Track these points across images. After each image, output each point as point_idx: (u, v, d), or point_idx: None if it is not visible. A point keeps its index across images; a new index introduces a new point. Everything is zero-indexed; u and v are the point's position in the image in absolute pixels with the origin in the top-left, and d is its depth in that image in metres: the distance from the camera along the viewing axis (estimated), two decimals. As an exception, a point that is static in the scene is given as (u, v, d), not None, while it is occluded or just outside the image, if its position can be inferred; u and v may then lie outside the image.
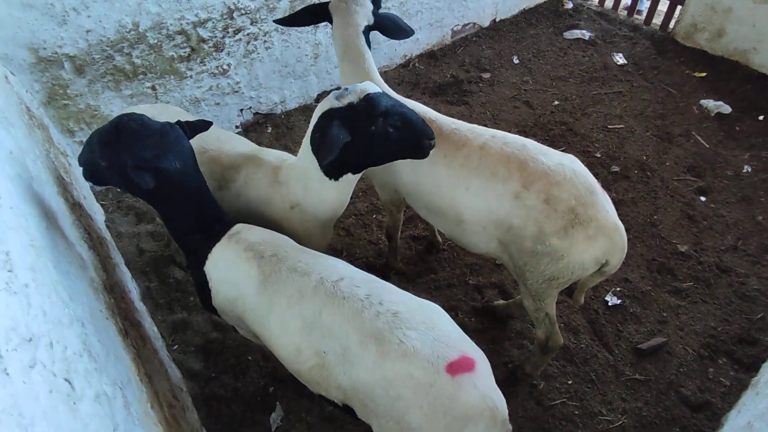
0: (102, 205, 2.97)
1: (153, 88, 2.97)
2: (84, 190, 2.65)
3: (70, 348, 0.98)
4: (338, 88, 1.57)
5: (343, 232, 2.93)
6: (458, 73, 4.11)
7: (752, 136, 3.54)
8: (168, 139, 1.40)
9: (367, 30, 1.91)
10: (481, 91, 3.96)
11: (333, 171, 1.57)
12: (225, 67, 3.18)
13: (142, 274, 2.70)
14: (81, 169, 1.46)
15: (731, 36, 4.02)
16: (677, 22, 4.32)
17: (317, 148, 1.51)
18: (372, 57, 1.97)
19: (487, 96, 3.92)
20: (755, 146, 3.46)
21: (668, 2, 4.38)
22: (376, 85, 1.56)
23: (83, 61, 2.65)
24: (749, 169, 3.29)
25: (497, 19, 4.63)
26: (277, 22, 2.07)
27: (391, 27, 1.93)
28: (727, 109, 3.70)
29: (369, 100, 1.45)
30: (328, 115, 1.46)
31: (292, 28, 3.31)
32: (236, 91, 3.34)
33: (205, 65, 3.09)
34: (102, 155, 1.34)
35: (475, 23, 4.47)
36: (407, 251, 2.85)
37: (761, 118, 3.66)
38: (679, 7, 4.31)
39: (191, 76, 3.09)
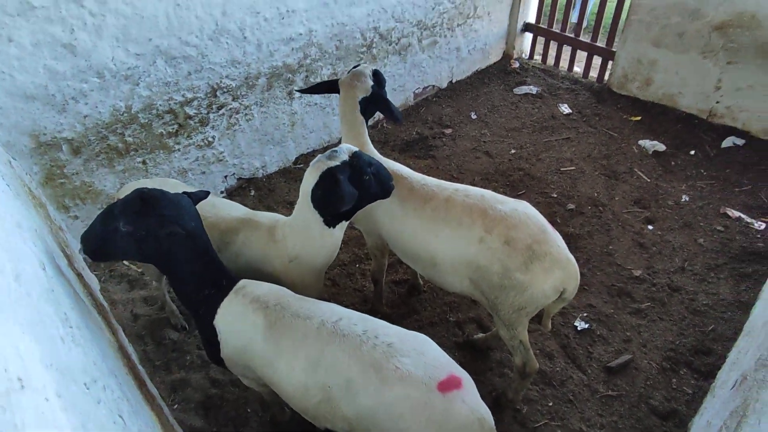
0: (95, 275, 3.10)
1: (144, 162, 3.20)
2: (80, 262, 2.79)
3: (115, 392, 1.14)
4: (316, 151, 1.84)
5: (330, 282, 3.12)
6: (423, 130, 4.51)
7: (686, 169, 3.99)
8: (183, 203, 1.62)
9: (364, 101, 2.25)
10: (444, 145, 4.35)
11: (332, 220, 1.83)
12: (210, 139, 3.46)
13: (138, 338, 2.80)
14: (79, 245, 1.58)
15: (658, 83, 4.58)
16: (611, 74, 4.90)
17: (324, 203, 1.77)
18: (364, 121, 2.32)
19: (451, 149, 4.30)
20: (690, 177, 3.91)
21: (600, 58, 4.98)
22: (352, 145, 1.88)
23: (80, 143, 2.87)
24: (687, 198, 3.70)
25: (454, 81, 5.13)
26: (300, 91, 2.54)
27: (382, 106, 2.28)
28: (662, 147, 4.18)
29: (357, 156, 1.80)
30: (330, 174, 1.74)
31: (270, 102, 3.66)
32: (220, 160, 3.61)
33: (191, 139, 3.36)
34: (128, 222, 1.51)
35: (434, 85, 4.95)
36: (391, 295, 3.06)
37: (692, 152, 4.14)
38: (610, 62, 4.90)
39: (179, 150, 3.34)
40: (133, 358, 2.32)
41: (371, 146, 2.38)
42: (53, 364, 0.80)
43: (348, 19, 3.79)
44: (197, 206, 1.83)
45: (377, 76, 2.33)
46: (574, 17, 5.38)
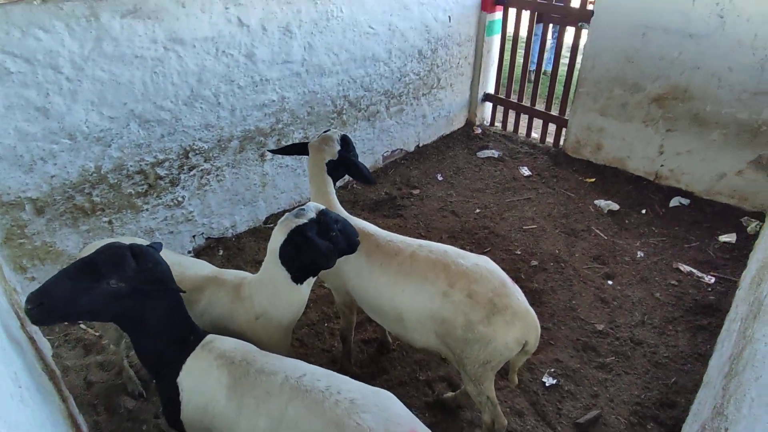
0: (49, 339, 2.95)
1: (110, 222, 3.18)
2: (32, 325, 2.67)
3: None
4: (287, 210, 1.90)
5: (298, 343, 3.06)
6: (391, 191, 4.67)
7: (640, 227, 4.23)
8: (155, 254, 1.63)
9: (332, 164, 2.36)
10: (413, 205, 4.49)
11: (300, 276, 1.85)
12: (179, 199, 3.48)
13: (90, 407, 2.64)
14: (25, 305, 1.43)
15: (608, 148, 4.94)
16: (565, 140, 5.26)
17: (293, 259, 1.82)
18: (332, 182, 2.43)
19: (419, 209, 4.45)
20: (643, 235, 4.13)
21: (555, 128, 5.37)
22: (319, 204, 1.95)
23: (44, 202, 2.85)
24: (642, 254, 3.89)
25: (420, 145, 5.39)
26: (271, 151, 2.70)
27: (351, 170, 2.40)
28: (615, 206, 4.43)
29: (324, 214, 1.88)
30: (300, 232, 1.80)
31: (242, 163, 3.75)
32: (189, 220, 3.61)
33: (161, 199, 3.37)
34: (121, 279, 1.49)
35: (402, 149, 5.19)
36: (359, 354, 3.02)
37: (644, 211, 4.41)
38: (564, 128, 5.28)
39: (147, 209, 3.34)
40: (83, 429, 2.18)
41: (338, 205, 2.46)
42: (2, 417, 0.78)
43: (319, 88, 4.02)
44: None
45: (345, 140, 2.46)
46: (532, 65, 5.88)
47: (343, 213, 2.41)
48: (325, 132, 2.49)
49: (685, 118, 4.33)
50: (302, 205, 1.95)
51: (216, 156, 3.59)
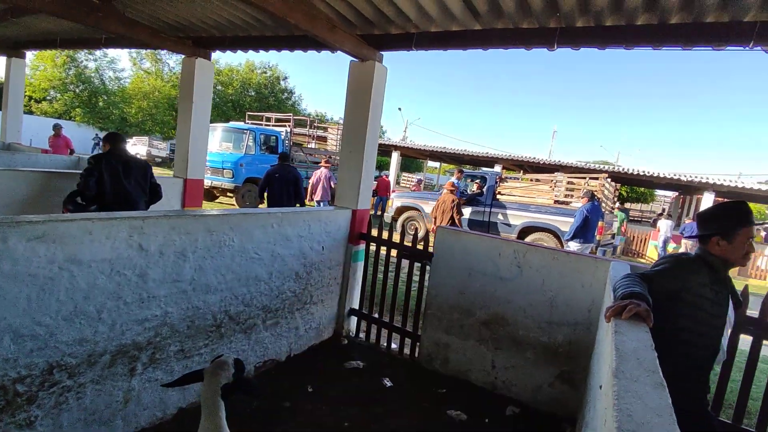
0: None
1: (-69, 454, 2.75)
2: None
3: None
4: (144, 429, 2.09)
5: None
6: (262, 405, 4.71)
7: (484, 436, 4.83)
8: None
9: (227, 387, 2.60)
10: (282, 420, 4.56)
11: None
12: (32, 418, 3.17)
13: None
14: None
15: (453, 362, 5.81)
16: (419, 353, 6.06)
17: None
18: (223, 405, 2.62)
19: (287, 425, 4.52)
20: (488, 443, 4.71)
21: (410, 341, 6.21)
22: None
23: None
24: (488, 463, 4.39)
25: (292, 355, 5.69)
26: (166, 385, 2.80)
27: (245, 389, 2.67)
28: (464, 416, 5.06)
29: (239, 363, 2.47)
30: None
31: (108, 378, 3.66)
32: (30, 446, 3.23)
33: (14, 417, 3.06)
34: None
35: (274, 359, 5.42)
36: None
37: (486, 420, 5.08)
38: (418, 342, 6.13)
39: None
40: None
41: (227, 428, 2.62)
42: None
43: (203, 304, 4.34)
44: None
45: (238, 364, 2.78)
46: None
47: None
48: (218, 357, 2.80)
49: (507, 338, 5.48)
50: (166, 422, 2.17)
51: (82, 372, 3.48)
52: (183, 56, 8.41)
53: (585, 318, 5.01)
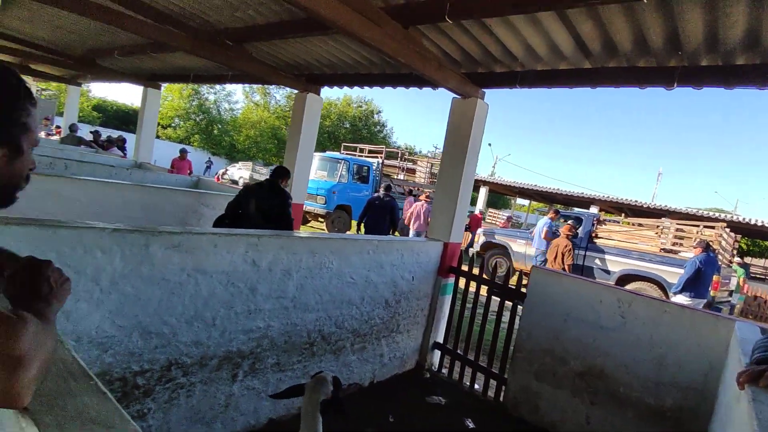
0: None
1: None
2: None
3: None
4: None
5: None
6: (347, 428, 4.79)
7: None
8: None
9: (324, 403, 2.71)
10: (364, 446, 4.58)
11: None
12: (145, 411, 3.53)
13: None
14: None
15: (543, 411, 5.46)
16: (504, 396, 5.79)
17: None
18: (321, 420, 2.71)
19: (370, 450, 4.53)
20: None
21: (495, 383, 5.97)
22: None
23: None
24: None
25: (375, 381, 5.74)
26: (273, 396, 2.97)
27: (340, 408, 2.75)
28: (552, 472, 4.71)
29: (337, 380, 2.59)
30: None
31: (214, 381, 3.97)
32: (146, 434, 3.58)
33: (128, 408, 3.43)
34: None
35: (358, 383, 5.50)
36: None
37: (578, 481, 4.68)
38: (504, 386, 5.87)
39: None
40: None
41: None
42: None
43: (300, 321, 4.58)
44: None
45: (336, 382, 2.89)
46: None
47: None
48: (318, 373, 2.93)
49: (605, 394, 5.05)
50: (256, 429, 2.28)
51: (194, 372, 3.81)
52: (295, 91, 9.19)
53: (700, 382, 4.48)
